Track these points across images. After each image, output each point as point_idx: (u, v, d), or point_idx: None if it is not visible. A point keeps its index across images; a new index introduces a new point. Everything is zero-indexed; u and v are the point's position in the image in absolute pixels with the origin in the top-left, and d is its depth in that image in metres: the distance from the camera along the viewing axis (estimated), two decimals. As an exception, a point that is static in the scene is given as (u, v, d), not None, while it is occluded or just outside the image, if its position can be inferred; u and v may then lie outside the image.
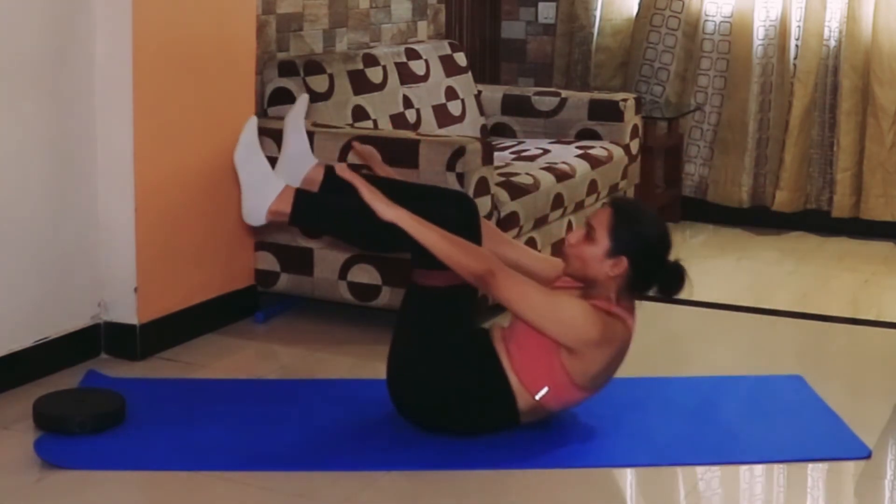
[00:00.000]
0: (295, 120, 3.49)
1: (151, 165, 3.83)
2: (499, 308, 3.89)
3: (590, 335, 3.12)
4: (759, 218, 5.97)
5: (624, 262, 3.17)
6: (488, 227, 3.54)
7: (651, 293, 3.29)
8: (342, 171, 3.26)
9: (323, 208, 3.30)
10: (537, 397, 3.19)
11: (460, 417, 3.23)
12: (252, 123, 3.32)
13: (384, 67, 4.94)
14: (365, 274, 4.17)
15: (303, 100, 3.56)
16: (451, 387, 3.20)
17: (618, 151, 5.22)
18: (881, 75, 5.60)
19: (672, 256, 3.26)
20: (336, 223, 3.36)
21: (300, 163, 3.46)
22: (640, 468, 3.15)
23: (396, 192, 3.29)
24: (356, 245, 3.73)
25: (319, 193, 3.35)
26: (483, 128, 5.49)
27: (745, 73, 5.86)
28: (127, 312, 3.85)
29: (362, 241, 3.54)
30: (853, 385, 3.85)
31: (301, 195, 3.25)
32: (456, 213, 3.28)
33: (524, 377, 3.18)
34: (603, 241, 3.17)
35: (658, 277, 3.24)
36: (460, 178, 3.98)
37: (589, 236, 3.20)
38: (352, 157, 4.07)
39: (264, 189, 3.24)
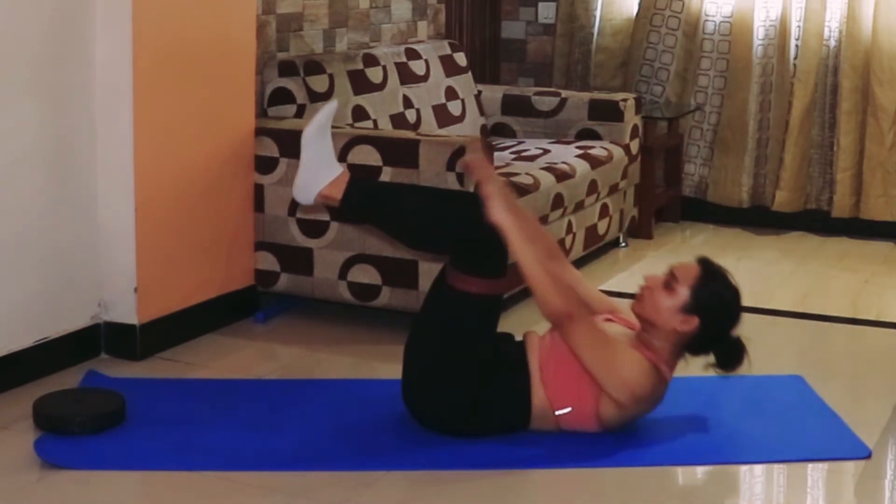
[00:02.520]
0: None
1: (151, 165, 3.83)
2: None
3: (639, 395, 3.16)
4: (759, 218, 5.97)
5: (695, 322, 3.17)
6: (551, 246, 3.52)
7: (707, 364, 3.29)
8: (469, 159, 3.28)
9: (373, 201, 3.29)
10: (557, 413, 3.21)
11: (472, 420, 3.24)
12: (331, 107, 3.30)
13: (384, 67, 4.94)
14: (365, 274, 4.17)
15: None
16: (470, 392, 3.20)
17: (618, 151, 5.22)
18: (881, 75, 5.60)
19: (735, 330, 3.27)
20: (383, 217, 3.35)
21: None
22: (641, 468, 3.14)
23: (407, 194, 3.31)
24: (400, 240, 3.69)
25: (372, 185, 3.32)
26: (483, 128, 5.49)
27: (745, 73, 5.86)
28: (127, 312, 3.85)
29: (408, 238, 3.51)
30: (853, 385, 3.85)
31: (354, 184, 3.24)
32: (471, 213, 3.21)
33: (552, 392, 3.20)
34: (682, 295, 3.18)
35: (718, 347, 3.25)
36: (460, 178, 3.98)
37: (668, 285, 3.20)
38: (351, 158, 4.07)
39: (322, 171, 3.24)
